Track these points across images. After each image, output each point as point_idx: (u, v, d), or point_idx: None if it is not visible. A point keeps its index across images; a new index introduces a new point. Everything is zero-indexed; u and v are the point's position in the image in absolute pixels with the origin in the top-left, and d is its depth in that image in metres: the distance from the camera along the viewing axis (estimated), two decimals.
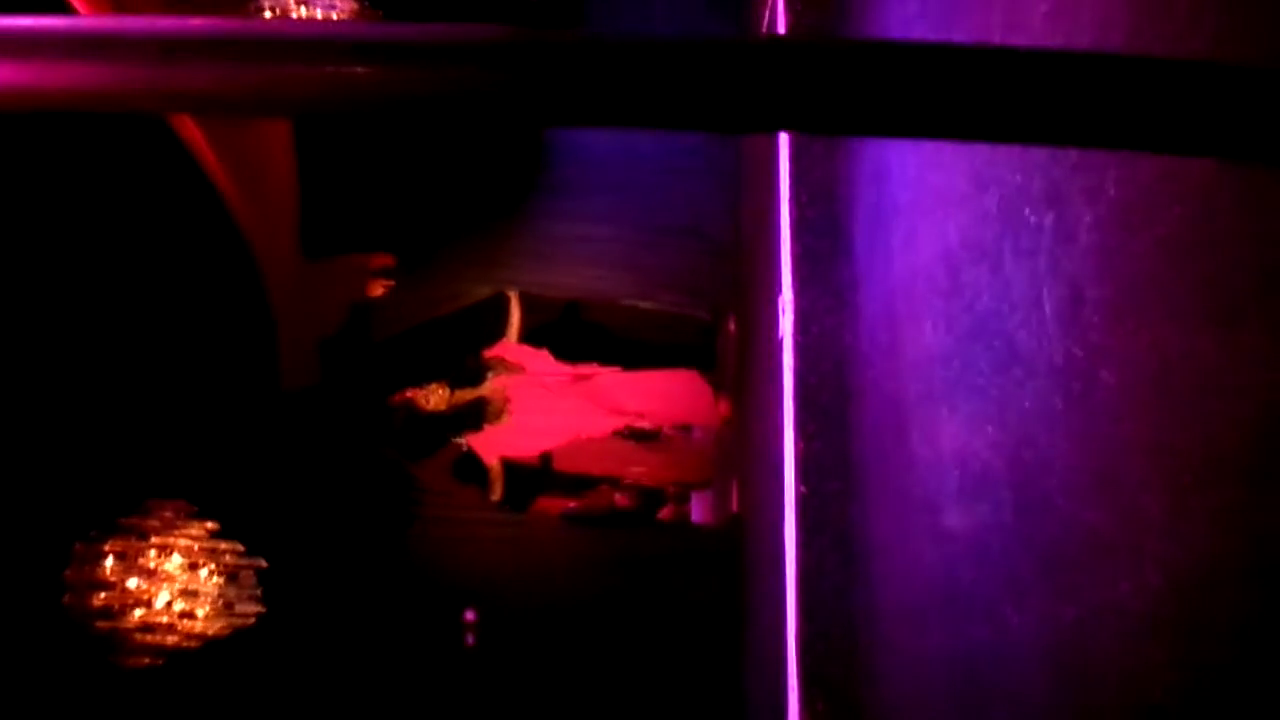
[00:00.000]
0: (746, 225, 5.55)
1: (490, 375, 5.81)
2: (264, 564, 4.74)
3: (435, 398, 5.68)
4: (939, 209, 2.86)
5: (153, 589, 4.40)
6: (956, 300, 2.69)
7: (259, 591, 4.74)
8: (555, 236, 5.94)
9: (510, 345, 5.77)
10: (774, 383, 3.96)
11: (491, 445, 5.67)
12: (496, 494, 5.65)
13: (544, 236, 5.94)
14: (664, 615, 5.33)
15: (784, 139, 4.10)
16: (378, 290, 5.84)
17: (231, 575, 4.63)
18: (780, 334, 3.89)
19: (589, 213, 5.96)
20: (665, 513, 5.91)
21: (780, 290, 3.93)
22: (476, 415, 5.75)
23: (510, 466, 5.72)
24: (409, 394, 5.64)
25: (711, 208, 5.98)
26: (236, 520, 4.80)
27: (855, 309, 3.65)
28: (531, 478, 5.78)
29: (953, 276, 2.73)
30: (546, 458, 5.78)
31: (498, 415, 5.73)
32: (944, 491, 2.69)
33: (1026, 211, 2.30)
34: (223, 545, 4.65)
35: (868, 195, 3.61)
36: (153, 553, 4.45)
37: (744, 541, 5.13)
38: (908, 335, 3.06)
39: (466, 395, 5.77)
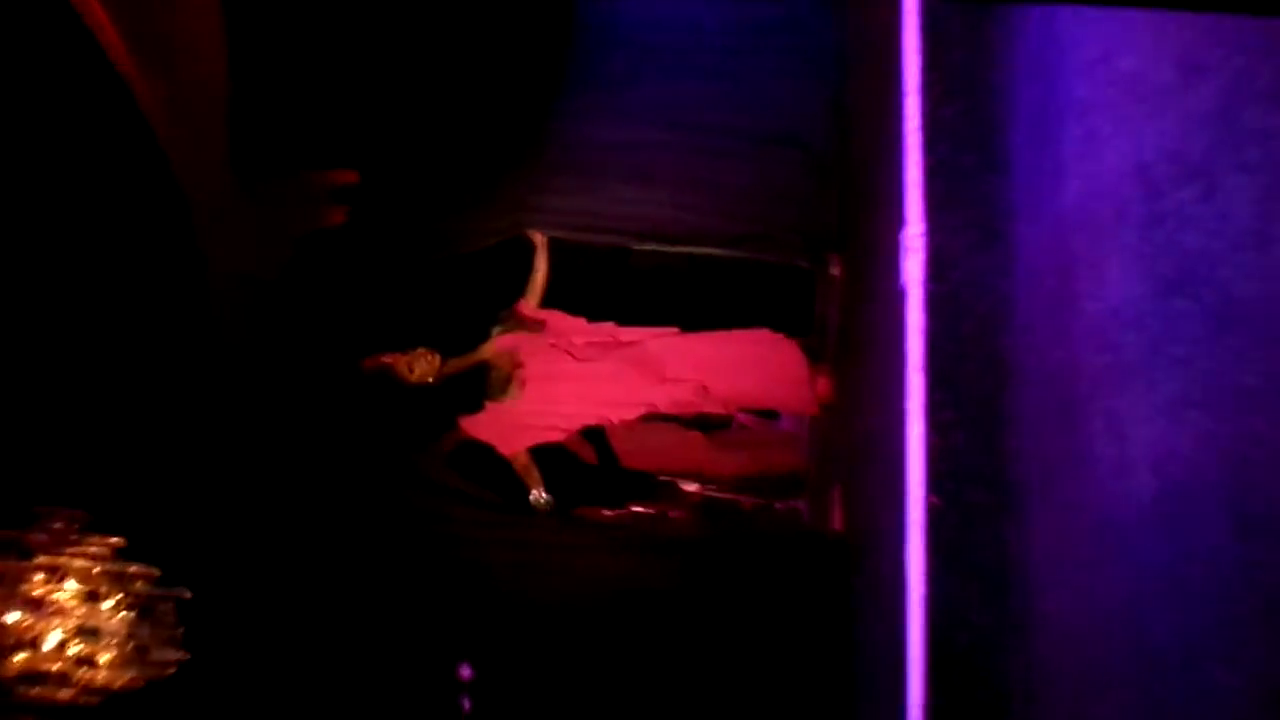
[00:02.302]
0: (856, 129, 5.56)
1: (495, 333, 5.87)
2: (187, 594, 4.85)
3: (422, 365, 5.75)
4: (1131, 107, 2.87)
5: (40, 626, 4.52)
6: (1154, 235, 2.71)
7: (180, 632, 4.85)
8: (591, 144, 5.95)
9: (530, 305, 5.82)
10: (895, 351, 3.99)
11: (494, 429, 5.72)
12: (538, 495, 5.70)
13: (575, 144, 5.95)
14: (740, 675, 5.39)
15: (911, 6, 4.10)
16: (338, 218, 5.90)
17: (144, 609, 4.74)
18: (904, 282, 3.92)
19: (636, 112, 5.96)
20: (739, 531, 5.97)
21: (904, 221, 3.95)
22: (475, 387, 5.82)
23: (557, 458, 5.78)
24: (386, 359, 5.72)
25: (805, 104, 5.96)
26: (150, 534, 4.91)
27: (1011, 247, 3.67)
28: (582, 475, 5.87)
29: (1149, 202, 2.74)
30: (606, 449, 5.85)
31: (503, 388, 5.79)
32: (1133, 504, 2.72)
33: (1252, 111, 2.31)
34: (133, 568, 4.76)
35: (1029, 87, 3.61)
36: (39, 577, 4.58)
37: (850, 574, 5.18)
38: (1084, 285, 3.08)
39: (462, 362, 5.84)
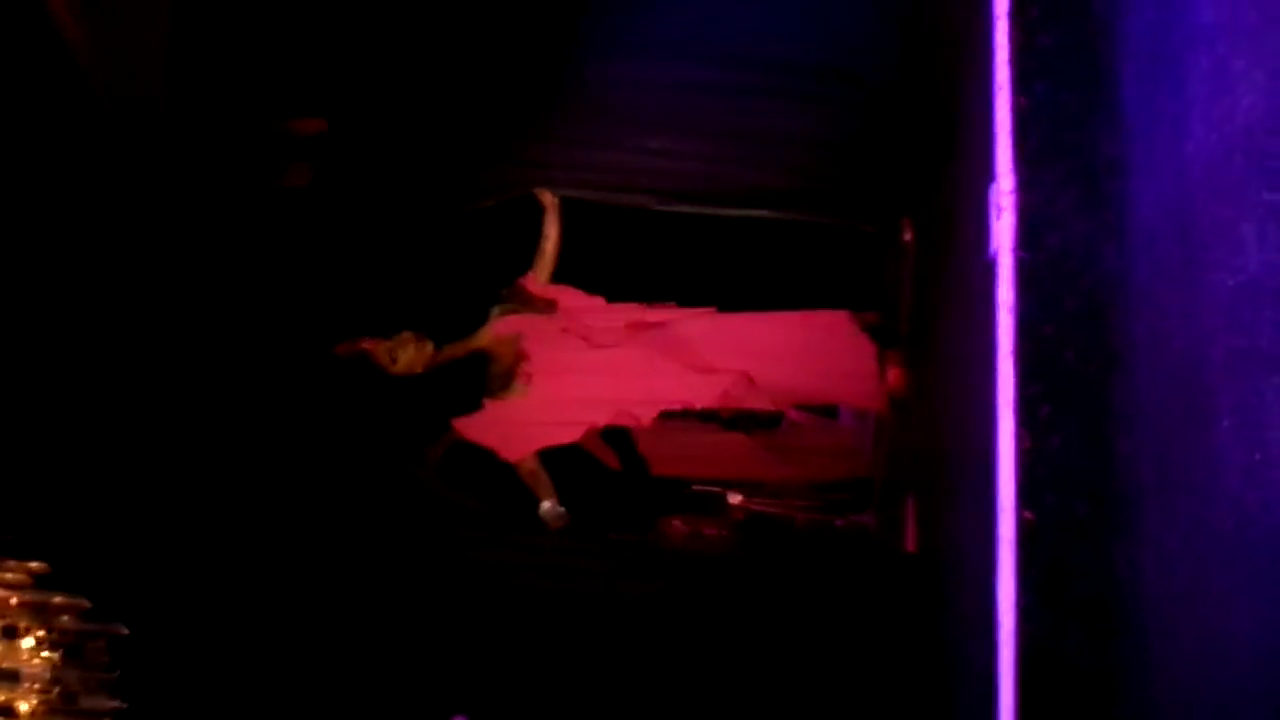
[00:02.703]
0: (932, 62, 5.52)
1: (496, 314, 5.86)
2: (124, 631, 4.87)
3: (407, 353, 5.75)
4: (1270, 34, 2.83)
5: None
6: None
7: (115, 676, 4.87)
8: (611, 83, 5.94)
9: (538, 280, 5.80)
10: (981, 334, 3.96)
11: (495, 430, 5.72)
12: (550, 507, 5.69)
13: (592, 83, 5.94)
14: None
15: None
16: (301, 177, 5.91)
17: (71, 648, 4.76)
18: (992, 250, 3.90)
19: (665, 44, 5.96)
20: (791, 551, 5.96)
21: (993, 176, 3.93)
22: (472, 381, 5.81)
23: (571, 463, 5.77)
24: (364, 345, 5.71)
25: (870, 32, 5.95)
26: (78, 559, 4.93)
27: (1122, 207, 3.64)
28: (603, 484, 5.86)
29: None
30: (630, 453, 5.84)
31: (505, 382, 5.78)
32: (1273, 519, 2.69)
33: None
34: (57, 599, 4.77)
35: (1144, 11, 3.58)
36: None
37: (926, 604, 5.16)
38: (1213, 253, 3.05)
39: (456, 349, 5.84)
